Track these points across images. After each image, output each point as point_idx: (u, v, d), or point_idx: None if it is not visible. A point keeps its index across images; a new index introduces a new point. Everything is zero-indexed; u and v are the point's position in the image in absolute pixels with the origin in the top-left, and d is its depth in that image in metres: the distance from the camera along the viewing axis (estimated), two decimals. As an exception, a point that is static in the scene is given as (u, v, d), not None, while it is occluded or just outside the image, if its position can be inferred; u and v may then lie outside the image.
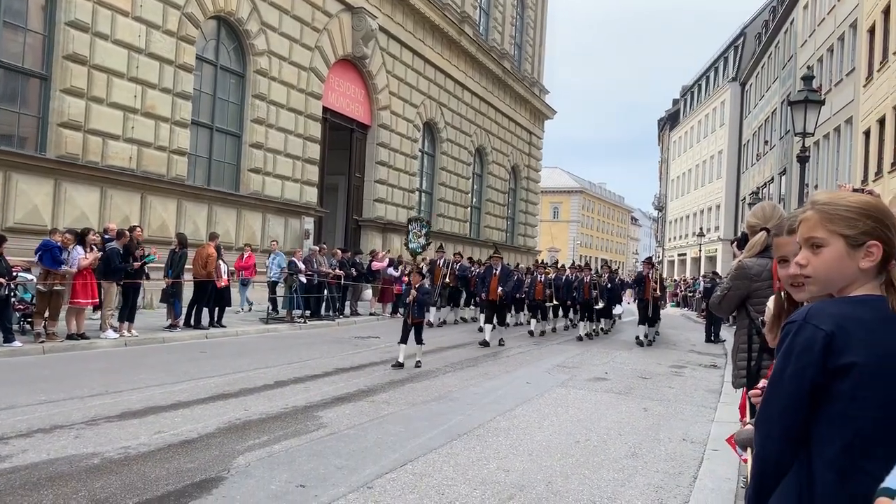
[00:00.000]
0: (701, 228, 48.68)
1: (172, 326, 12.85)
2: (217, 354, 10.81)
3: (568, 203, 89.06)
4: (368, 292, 20.32)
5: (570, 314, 19.09)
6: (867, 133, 23.10)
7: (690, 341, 18.21)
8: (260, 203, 19.18)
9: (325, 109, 21.92)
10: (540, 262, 22.95)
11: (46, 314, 10.48)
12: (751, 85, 45.13)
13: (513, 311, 19.22)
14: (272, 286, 16.59)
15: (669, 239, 64.82)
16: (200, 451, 5.44)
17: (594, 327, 17.62)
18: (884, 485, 1.42)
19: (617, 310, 20.10)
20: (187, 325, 13.17)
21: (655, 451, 6.31)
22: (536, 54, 40.35)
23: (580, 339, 16.47)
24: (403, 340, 10.25)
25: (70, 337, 10.63)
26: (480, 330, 14.60)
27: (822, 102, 13.76)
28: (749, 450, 2.20)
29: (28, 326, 10.98)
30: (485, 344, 13.72)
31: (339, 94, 22.88)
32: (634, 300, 18.14)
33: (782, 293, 2.04)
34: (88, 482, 4.62)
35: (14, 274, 10.55)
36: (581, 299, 17.19)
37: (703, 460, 5.90)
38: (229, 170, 18.60)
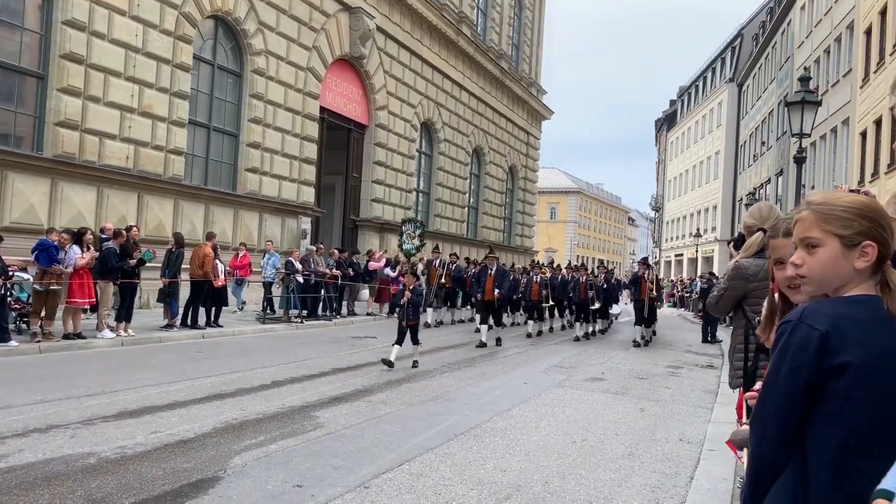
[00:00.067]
0: (698, 229, 48.78)
1: (169, 326, 12.84)
2: (214, 354, 10.80)
3: (565, 203, 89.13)
4: (365, 292, 20.31)
5: (567, 314, 19.10)
6: (864, 134, 23.15)
7: (687, 342, 18.23)
8: (257, 203, 19.17)
9: (322, 109, 21.91)
10: (536, 262, 22.95)
11: (43, 314, 10.46)
12: (748, 86, 45.20)
13: (509, 312, 19.25)
14: (267, 287, 16.55)
15: (666, 239, 64.89)
16: (197, 451, 5.44)
17: (591, 328, 17.61)
18: (881, 486, 1.42)
19: (615, 309, 20.10)
20: (184, 324, 13.16)
21: (652, 451, 6.31)
22: (534, 55, 40.37)
23: (577, 339, 16.48)
24: (399, 342, 10.22)
25: (66, 336, 10.61)
26: (477, 331, 14.61)
27: (819, 103, 13.80)
28: (745, 449, 2.21)
29: (24, 326, 10.97)
30: (482, 345, 13.73)
31: (336, 94, 22.88)
32: (631, 301, 18.15)
33: (775, 295, 2.04)
34: (84, 482, 4.61)
35: (10, 273, 10.53)
36: (577, 299, 17.19)
37: (700, 460, 5.91)
38: (226, 169, 18.58)
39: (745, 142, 45.24)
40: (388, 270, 19.22)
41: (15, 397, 6.91)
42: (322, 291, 17.22)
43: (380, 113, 24.80)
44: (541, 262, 22.47)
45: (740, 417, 4.22)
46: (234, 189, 18.60)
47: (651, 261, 20.62)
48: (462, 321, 19.65)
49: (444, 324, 18.59)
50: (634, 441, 6.63)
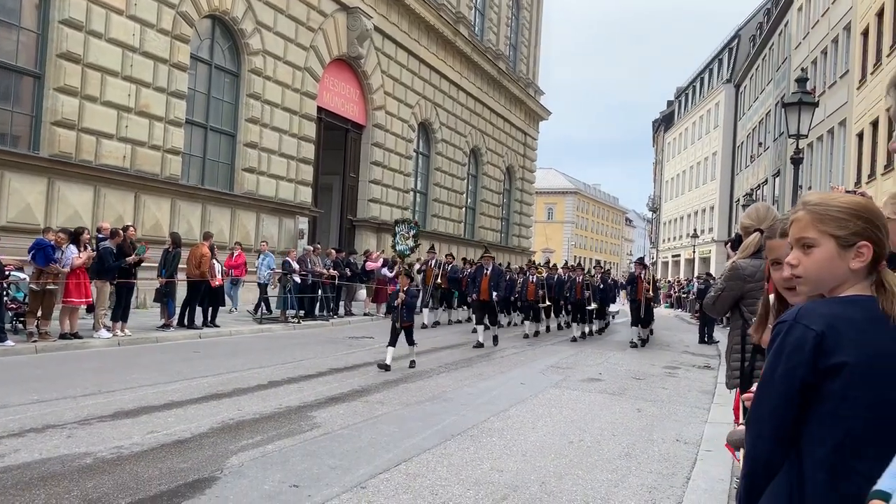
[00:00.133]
0: (695, 230, 48.82)
1: (166, 326, 12.82)
2: (210, 354, 10.79)
3: (562, 204, 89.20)
4: (363, 292, 20.30)
5: (563, 314, 19.09)
6: (860, 135, 23.19)
7: (684, 342, 18.24)
8: (254, 203, 19.15)
9: (319, 109, 21.90)
10: (532, 262, 22.95)
11: (39, 313, 10.43)
12: (745, 87, 45.27)
13: (507, 312, 19.26)
14: (262, 287, 16.51)
15: (663, 240, 64.94)
16: (193, 451, 5.43)
17: (587, 328, 17.61)
18: (877, 487, 1.42)
19: (613, 307, 20.08)
20: (181, 324, 13.14)
21: (649, 451, 6.32)
22: (531, 55, 40.40)
23: (574, 339, 16.48)
24: (392, 343, 10.15)
25: (63, 336, 10.59)
26: (474, 331, 14.61)
27: (816, 104, 13.81)
28: (742, 450, 2.21)
29: (21, 326, 10.93)
30: (479, 345, 13.72)
31: (333, 94, 22.87)
32: (628, 301, 18.15)
33: (771, 295, 2.05)
34: (81, 482, 4.60)
35: (7, 273, 10.51)
36: (573, 299, 17.18)
37: (697, 461, 5.92)
38: (223, 169, 18.56)
39: (742, 143, 45.30)
40: (385, 271, 19.21)
41: (11, 397, 6.90)
42: (319, 291, 17.20)
43: (377, 113, 24.79)
44: (537, 262, 22.47)
45: (737, 418, 4.23)
46: (232, 189, 18.59)
47: (648, 261, 20.62)
48: (459, 321, 19.65)
49: (440, 324, 18.58)
50: (631, 441, 6.63)
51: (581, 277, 17.44)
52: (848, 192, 1.92)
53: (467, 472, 5.30)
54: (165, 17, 16.09)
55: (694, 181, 54.73)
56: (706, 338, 18.42)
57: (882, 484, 1.42)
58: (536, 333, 17.18)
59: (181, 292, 13.53)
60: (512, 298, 18.05)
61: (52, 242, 10.53)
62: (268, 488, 4.69)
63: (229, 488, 4.64)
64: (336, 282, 17.67)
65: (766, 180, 37.05)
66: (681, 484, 5.34)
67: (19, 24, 13.50)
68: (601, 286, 18.07)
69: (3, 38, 13.29)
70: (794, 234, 1.68)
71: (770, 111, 36.73)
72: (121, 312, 11.63)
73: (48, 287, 10.39)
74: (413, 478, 5.08)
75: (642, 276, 16.50)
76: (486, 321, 14.85)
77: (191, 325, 13.16)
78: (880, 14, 21.79)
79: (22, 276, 11.09)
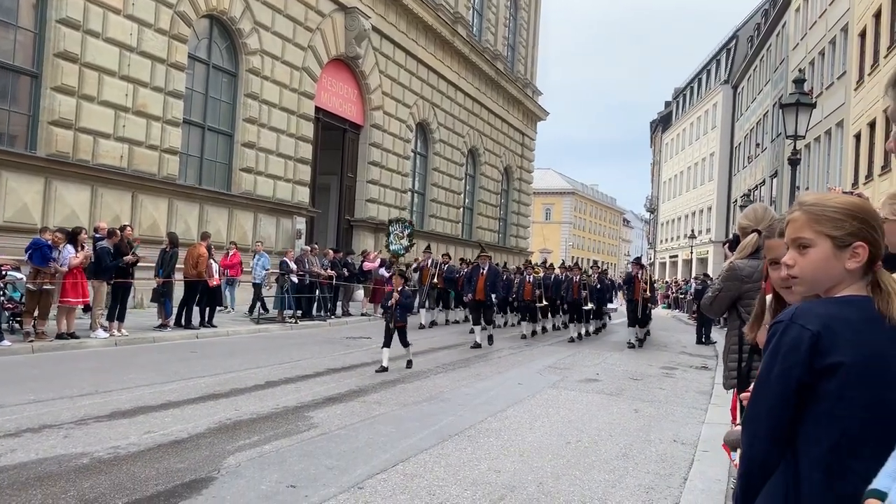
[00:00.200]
0: (692, 230, 48.87)
1: (163, 326, 12.80)
2: (208, 354, 10.78)
3: (560, 204, 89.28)
4: (360, 293, 20.28)
5: (560, 314, 19.08)
6: (857, 136, 23.24)
7: (681, 343, 18.26)
8: (252, 203, 19.14)
9: (317, 109, 21.89)
10: (529, 262, 22.94)
11: (36, 313, 10.42)
12: (742, 88, 45.34)
13: (504, 312, 19.25)
14: (256, 288, 16.47)
15: (661, 241, 65.03)
16: (190, 452, 5.42)
17: (584, 329, 17.59)
18: (872, 486, 1.42)
19: (611, 305, 20.05)
20: (178, 324, 13.12)
21: (646, 452, 6.32)
22: (529, 56, 40.42)
23: (572, 340, 16.48)
24: (386, 344, 10.08)
25: (60, 336, 10.58)
26: (472, 332, 14.61)
27: (814, 105, 13.84)
28: (739, 450, 2.21)
29: (17, 325, 10.91)
30: (476, 346, 13.72)
31: (331, 94, 22.86)
32: (625, 301, 18.15)
33: (768, 295, 2.05)
34: (77, 482, 4.59)
35: (3, 273, 10.49)
36: (570, 299, 17.17)
37: (694, 461, 5.92)
38: (221, 169, 18.54)
39: (739, 144, 45.37)
40: (382, 271, 19.20)
41: (8, 397, 6.88)
42: (317, 292, 17.19)
43: (375, 113, 24.79)
44: (534, 262, 22.46)
45: (734, 418, 4.23)
46: (229, 189, 18.57)
47: (645, 262, 20.62)
48: (457, 322, 19.64)
49: (437, 324, 18.58)
50: (629, 442, 6.64)
51: (578, 277, 17.41)
52: (845, 193, 1.93)
53: (465, 473, 5.30)
54: (163, 16, 16.07)
55: (691, 182, 54.81)
56: (703, 338, 18.44)
57: (878, 483, 1.42)
58: (533, 333, 17.18)
59: (178, 292, 13.51)
60: (510, 299, 18.05)
61: (49, 242, 10.51)
62: (265, 488, 4.68)
63: (226, 488, 4.64)
64: (333, 282, 17.67)
65: (764, 181, 37.10)
66: (678, 484, 5.35)
67: (16, 24, 13.48)
68: (598, 286, 18.06)
69: (0, 37, 13.26)
70: (790, 235, 1.68)
71: (767, 112, 36.79)
72: (117, 312, 11.61)
73: (45, 287, 10.37)
74: (410, 478, 5.08)
75: (639, 275, 16.49)
76: (483, 321, 14.83)
77: (188, 326, 13.15)
78: (878, 15, 21.83)
79: (19, 275, 11.06)
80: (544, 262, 24.82)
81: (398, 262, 18.88)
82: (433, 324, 18.31)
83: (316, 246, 19.02)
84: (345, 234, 24.11)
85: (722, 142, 48.42)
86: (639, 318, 16.27)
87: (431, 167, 29.71)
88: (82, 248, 10.96)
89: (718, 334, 17.89)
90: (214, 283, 13.89)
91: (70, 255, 10.63)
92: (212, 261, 13.94)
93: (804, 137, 13.49)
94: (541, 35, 42.19)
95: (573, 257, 67.94)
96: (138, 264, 12.32)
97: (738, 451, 2.00)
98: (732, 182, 46.52)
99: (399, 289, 10.30)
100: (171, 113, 16.41)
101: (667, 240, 62.07)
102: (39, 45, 13.78)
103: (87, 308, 11.58)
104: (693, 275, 40.69)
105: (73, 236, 10.85)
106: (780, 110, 13.77)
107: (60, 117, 13.91)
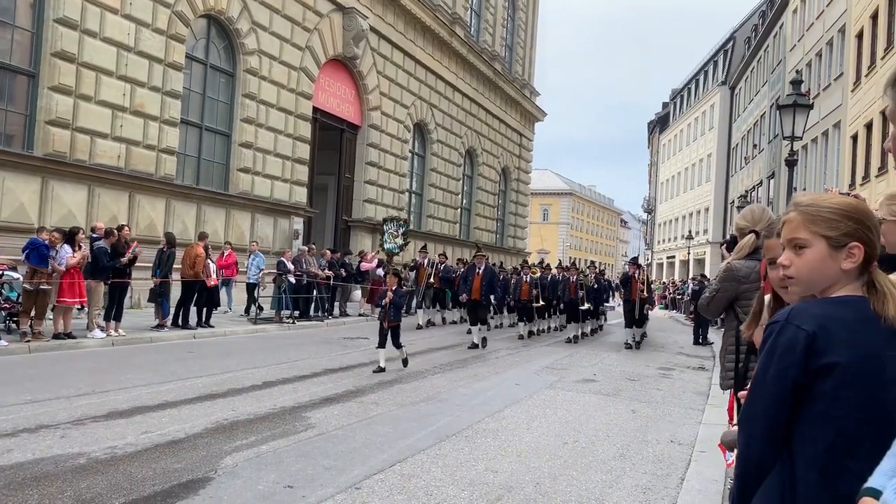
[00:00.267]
0: (690, 231, 48.92)
1: (160, 326, 12.79)
2: (205, 354, 10.77)
3: (558, 205, 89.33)
4: (357, 293, 20.28)
5: (557, 315, 19.08)
6: (854, 137, 23.29)
7: (678, 343, 18.28)
8: (249, 203, 19.12)
9: (315, 109, 21.88)
10: (526, 262, 22.93)
11: (33, 313, 10.39)
12: (740, 89, 45.41)
13: (503, 313, 19.24)
14: (251, 288, 16.44)
15: (658, 241, 65.09)
16: (187, 452, 5.42)
17: (580, 329, 17.58)
18: (867, 484, 1.43)
19: (610, 304, 20.02)
20: (175, 324, 13.11)
21: (643, 452, 6.33)
22: (527, 56, 40.45)
23: (569, 341, 16.48)
24: (381, 345, 10.07)
25: (57, 336, 10.55)
26: (469, 332, 14.61)
27: (811, 107, 13.85)
28: (735, 451, 2.22)
29: (14, 325, 10.90)
30: (474, 346, 13.72)
31: (329, 95, 22.85)
32: (622, 301, 18.14)
33: (767, 294, 2.05)
34: (74, 482, 4.59)
35: (0, 272, 10.46)
36: (567, 299, 17.16)
37: (691, 462, 5.93)
38: (218, 169, 18.53)
39: (736, 144, 45.44)
40: (380, 271, 19.19)
41: (4, 397, 6.87)
42: (314, 292, 17.18)
43: (373, 113, 24.79)
44: (531, 262, 22.46)
45: (731, 419, 4.24)
46: (227, 189, 18.56)
47: (642, 262, 20.63)
48: (454, 322, 19.64)
49: (434, 324, 18.58)
50: (626, 442, 6.64)
51: (575, 277, 17.42)
52: (842, 194, 1.93)
53: (462, 473, 5.30)
54: (161, 16, 16.06)
55: (689, 183, 54.87)
56: (701, 339, 18.46)
57: (873, 481, 1.43)
58: (530, 334, 17.18)
59: (176, 292, 13.50)
60: (507, 299, 18.03)
61: (46, 242, 10.50)
62: (262, 489, 4.68)
63: (223, 489, 4.63)
64: (331, 282, 17.66)
65: (761, 182, 37.16)
66: (675, 485, 5.35)
67: (13, 23, 13.46)
68: (595, 286, 18.05)
69: (-2, 36, 13.26)
70: (786, 235, 1.69)
71: (765, 113, 36.86)
72: (114, 312, 11.60)
73: (42, 287, 10.35)
74: (408, 478, 5.08)
75: (636, 275, 16.47)
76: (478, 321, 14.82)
77: (185, 326, 13.14)
78: (875, 16, 21.87)
79: (15, 275, 11.05)
80: (541, 262, 24.84)
81: (392, 262, 18.86)
82: (430, 323, 18.31)
83: (313, 246, 19.00)
84: (342, 234, 24.10)
85: (719, 143, 48.49)
86: (636, 318, 16.26)
87: (429, 167, 29.71)
88: (79, 247, 10.95)
89: (715, 335, 17.92)
90: (212, 283, 13.87)
91: (67, 255, 10.61)
92: (209, 261, 13.92)
93: (801, 139, 13.51)
94: (539, 36, 42.28)
95: (571, 258, 68.03)
96: (135, 263, 12.30)
97: (734, 451, 2.01)
98: (730, 183, 46.58)
99: (393, 288, 10.31)
100: (169, 113, 16.40)
101: (664, 241, 62.13)
102: (37, 44, 13.77)
103: (81, 307, 11.56)
104: (690, 275, 40.72)
105: (70, 236, 10.84)
106: (778, 111, 13.79)
107: (57, 117, 13.89)
